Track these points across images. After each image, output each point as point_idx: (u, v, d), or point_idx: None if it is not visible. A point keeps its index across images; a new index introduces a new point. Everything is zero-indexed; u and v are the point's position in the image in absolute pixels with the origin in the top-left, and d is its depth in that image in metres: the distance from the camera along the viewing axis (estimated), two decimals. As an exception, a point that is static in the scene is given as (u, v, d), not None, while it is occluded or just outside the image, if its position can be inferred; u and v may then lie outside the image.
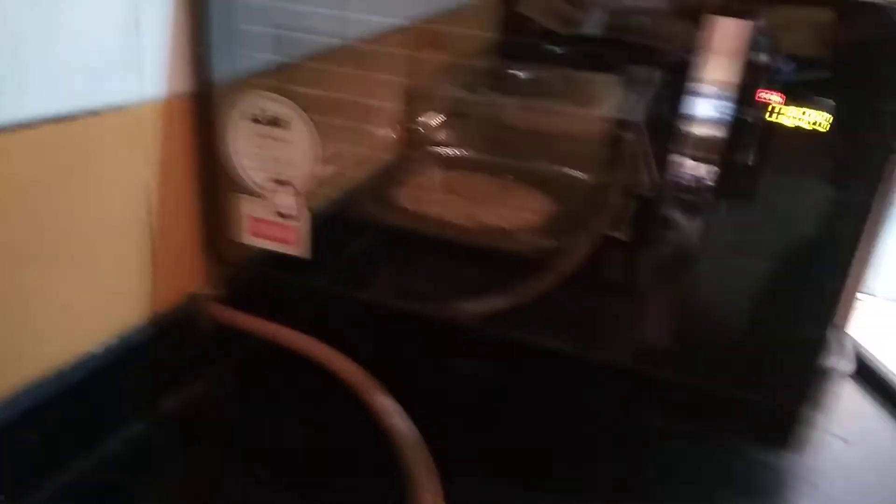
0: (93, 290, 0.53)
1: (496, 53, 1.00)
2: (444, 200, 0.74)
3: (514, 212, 0.70)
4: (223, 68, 0.58)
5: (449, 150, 0.84)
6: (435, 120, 0.89)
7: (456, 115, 0.88)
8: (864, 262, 1.04)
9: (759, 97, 0.45)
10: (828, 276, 0.50)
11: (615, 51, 0.91)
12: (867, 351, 0.69)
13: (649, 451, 0.58)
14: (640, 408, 0.58)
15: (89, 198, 0.51)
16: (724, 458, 0.57)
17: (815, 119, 0.44)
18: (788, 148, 0.46)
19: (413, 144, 0.84)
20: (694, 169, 0.49)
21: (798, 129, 0.44)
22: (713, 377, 0.55)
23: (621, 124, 0.71)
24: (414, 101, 0.86)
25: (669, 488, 0.55)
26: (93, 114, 0.49)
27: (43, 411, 0.49)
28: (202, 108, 0.58)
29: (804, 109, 0.44)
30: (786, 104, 0.44)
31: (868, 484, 0.56)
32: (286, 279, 0.63)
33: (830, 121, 0.44)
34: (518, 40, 0.96)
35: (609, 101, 0.76)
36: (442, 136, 0.87)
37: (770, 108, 0.45)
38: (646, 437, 0.59)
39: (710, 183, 0.48)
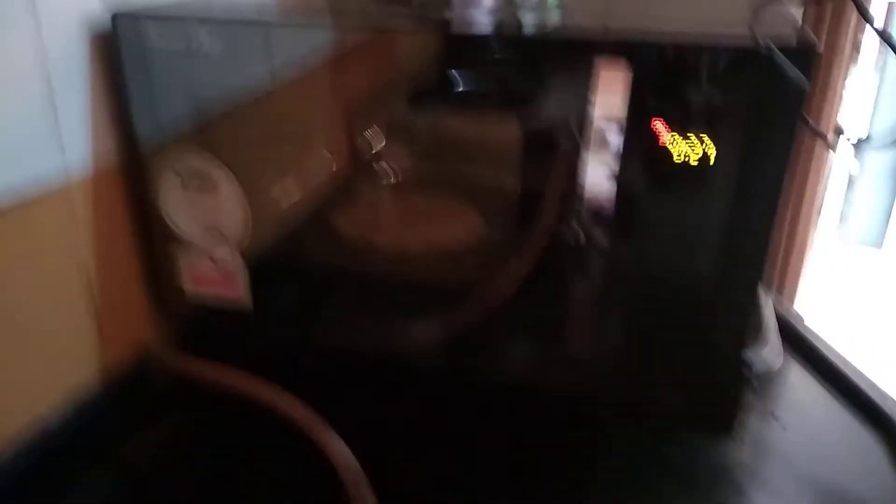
0: (38, 359, 0.55)
1: (439, 63, 1.00)
2: (387, 226, 0.76)
3: (454, 231, 0.72)
4: (147, 131, 0.59)
5: (392, 171, 0.85)
6: (379, 139, 0.89)
7: (399, 133, 0.89)
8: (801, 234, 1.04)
9: (650, 127, 0.46)
10: (742, 281, 0.51)
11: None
12: (811, 332, 0.71)
13: (594, 450, 0.59)
14: (581, 412, 0.60)
15: (27, 280, 0.52)
16: (667, 452, 0.58)
17: (699, 152, 0.45)
18: (684, 173, 0.47)
19: (356, 168, 0.85)
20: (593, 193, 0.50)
21: (686, 162, 0.45)
22: (650, 388, 0.57)
23: (558, 129, 0.72)
24: (356, 122, 0.87)
25: (616, 485, 0.56)
26: (21, 205, 0.50)
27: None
28: (132, 172, 0.59)
29: (690, 141, 0.45)
30: (672, 136, 0.45)
31: (804, 468, 0.58)
32: (232, 328, 0.64)
33: (714, 153, 0.45)
34: (460, 47, 0.96)
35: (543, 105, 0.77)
36: (386, 155, 0.87)
37: (659, 140, 0.46)
38: (590, 438, 0.60)
39: (608, 205, 0.50)
